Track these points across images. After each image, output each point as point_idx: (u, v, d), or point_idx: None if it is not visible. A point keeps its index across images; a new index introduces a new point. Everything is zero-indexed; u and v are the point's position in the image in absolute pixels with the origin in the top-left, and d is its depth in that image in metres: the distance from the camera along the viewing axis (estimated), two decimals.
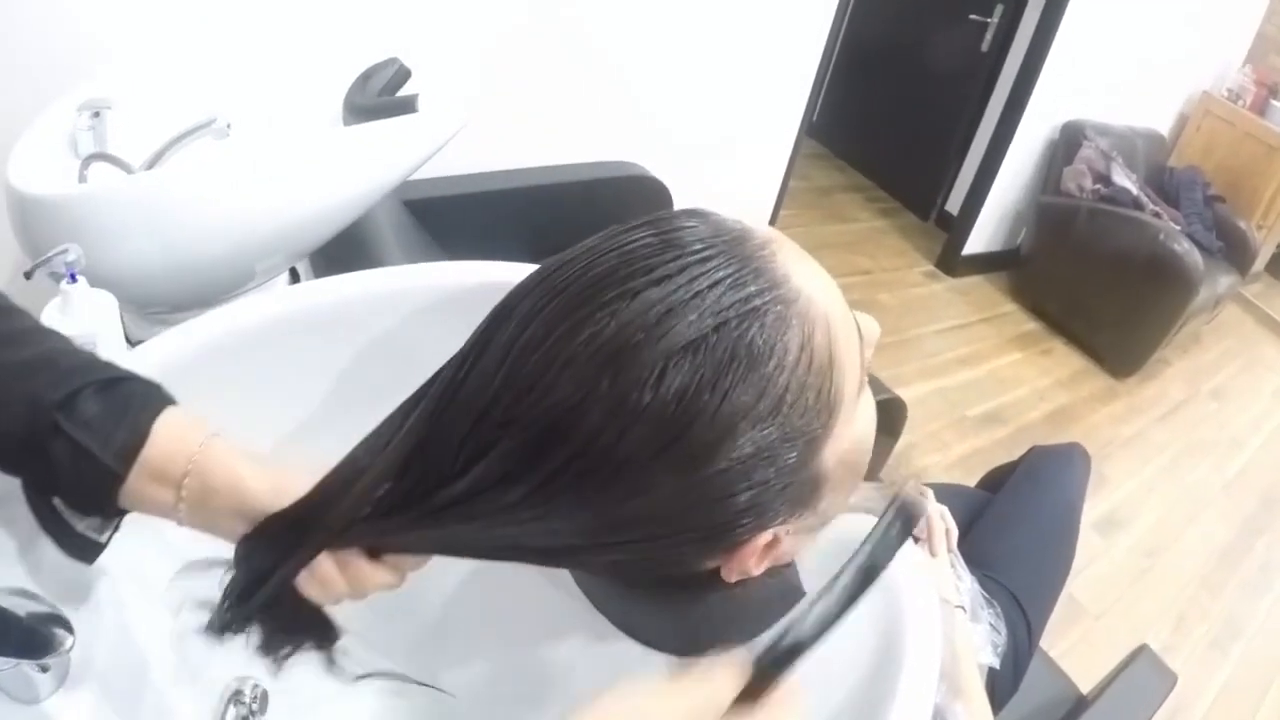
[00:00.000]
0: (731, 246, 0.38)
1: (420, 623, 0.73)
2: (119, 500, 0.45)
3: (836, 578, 0.45)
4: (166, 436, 0.45)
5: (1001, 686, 1.11)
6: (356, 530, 0.43)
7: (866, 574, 0.45)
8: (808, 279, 0.40)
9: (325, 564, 0.45)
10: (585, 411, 0.36)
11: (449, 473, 0.39)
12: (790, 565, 0.49)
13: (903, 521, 0.46)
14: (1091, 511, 2.61)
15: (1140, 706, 1.20)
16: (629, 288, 0.36)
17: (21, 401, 0.44)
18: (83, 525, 0.48)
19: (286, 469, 0.46)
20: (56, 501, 0.47)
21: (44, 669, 0.49)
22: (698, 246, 0.38)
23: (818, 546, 0.48)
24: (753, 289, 0.37)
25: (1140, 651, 1.30)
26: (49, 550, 0.53)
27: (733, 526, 0.39)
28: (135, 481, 0.45)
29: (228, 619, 0.47)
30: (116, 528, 0.49)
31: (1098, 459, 1.61)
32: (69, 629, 0.48)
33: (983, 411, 2.99)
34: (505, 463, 0.38)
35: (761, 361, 0.36)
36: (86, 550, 0.48)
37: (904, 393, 1.63)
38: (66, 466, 0.44)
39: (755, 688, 0.44)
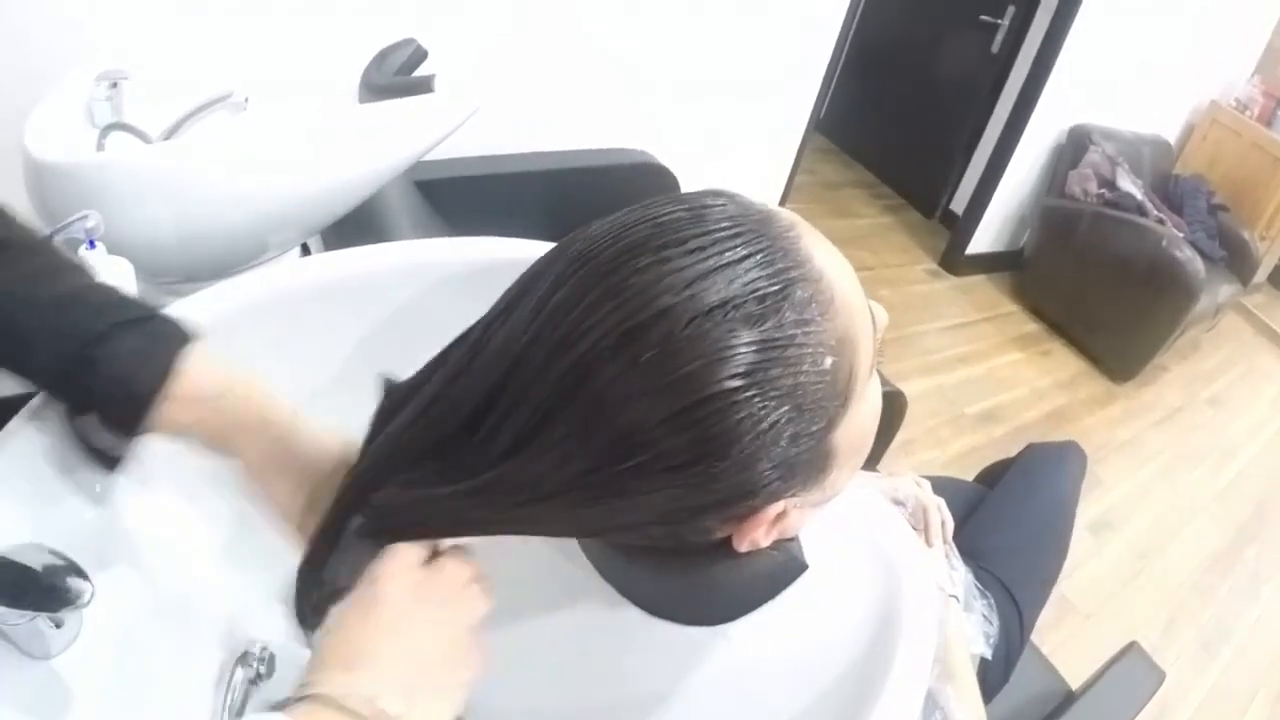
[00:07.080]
0: (759, 226, 0.39)
1: None
2: (145, 427, 0.50)
3: None
4: (195, 372, 0.50)
5: (993, 676, 1.13)
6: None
7: None
8: (829, 262, 0.41)
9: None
10: (615, 373, 0.36)
11: (469, 434, 0.40)
12: (794, 539, 0.50)
13: None
14: (1085, 513, 2.62)
15: (1128, 701, 1.21)
16: (662, 255, 0.37)
17: (56, 336, 0.48)
18: (106, 443, 0.53)
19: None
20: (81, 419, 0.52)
21: (58, 624, 0.49)
22: (726, 224, 0.39)
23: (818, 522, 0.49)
24: (780, 266, 0.38)
25: (1129, 648, 1.31)
26: (67, 505, 0.54)
27: (751, 494, 0.40)
28: (164, 410, 0.50)
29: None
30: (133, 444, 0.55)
31: (1093, 461, 1.62)
32: (88, 582, 0.48)
33: (981, 410, 3.00)
34: (528, 426, 0.38)
35: (790, 338, 0.37)
36: (105, 464, 0.53)
37: (903, 388, 1.63)
38: (99, 397, 0.49)
39: None
